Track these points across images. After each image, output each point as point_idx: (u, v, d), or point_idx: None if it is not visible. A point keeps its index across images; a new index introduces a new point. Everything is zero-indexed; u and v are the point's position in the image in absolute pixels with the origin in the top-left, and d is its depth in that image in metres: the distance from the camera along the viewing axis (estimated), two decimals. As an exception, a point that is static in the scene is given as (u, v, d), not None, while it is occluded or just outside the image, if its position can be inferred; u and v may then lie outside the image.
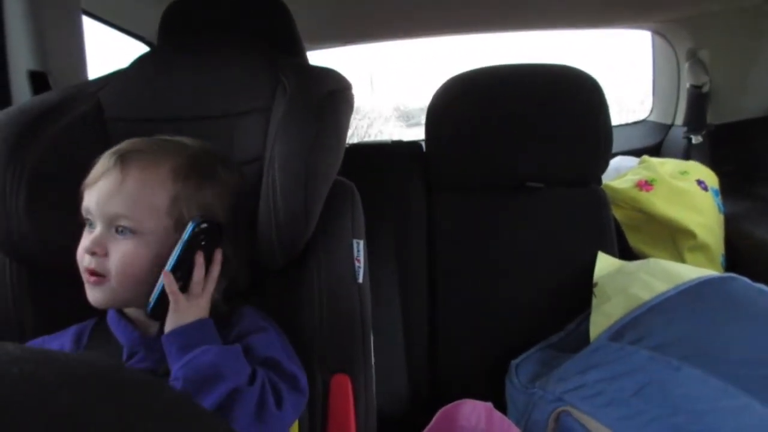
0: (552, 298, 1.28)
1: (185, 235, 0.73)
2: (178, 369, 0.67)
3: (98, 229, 0.72)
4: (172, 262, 0.72)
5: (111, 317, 0.77)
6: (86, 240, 0.73)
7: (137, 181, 0.72)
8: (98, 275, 0.71)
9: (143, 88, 0.90)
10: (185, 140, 0.79)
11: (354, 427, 0.82)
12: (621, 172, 1.72)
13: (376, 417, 0.89)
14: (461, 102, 1.30)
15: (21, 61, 1.10)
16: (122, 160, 0.73)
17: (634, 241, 1.53)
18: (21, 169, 0.77)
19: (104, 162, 0.74)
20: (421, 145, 1.38)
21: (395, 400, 1.22)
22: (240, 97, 0.89)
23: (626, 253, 1.42)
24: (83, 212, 0.74)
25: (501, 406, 1.11)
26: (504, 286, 1.29)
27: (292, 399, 0.72)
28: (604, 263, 1.26)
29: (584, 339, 1.12)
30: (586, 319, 1.16)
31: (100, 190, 0.72)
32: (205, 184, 0.76)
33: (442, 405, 1.02)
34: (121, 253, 0.71)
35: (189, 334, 0.70)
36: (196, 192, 0.75)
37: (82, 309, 0.79)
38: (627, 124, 2.42)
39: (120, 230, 0.72)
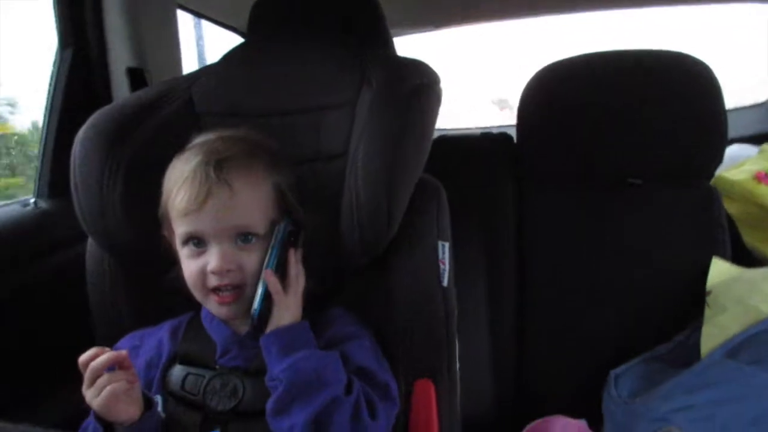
0: (654, 305, 1.19)
1: (280, 234, 0.73)
2: (280, 371, 0.67)
3: (220, 247, 0.70)
4: (274, 262, 0.71)
5: (205, 315, 0.78)
6: (208, 261, 0.71)
7: (245, 190, 0.71)
8: (233, 290, 0.71)
9: (232, 82, 0.91)
10: (249, 135, 0.78)
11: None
12: (737, 162, 1.56)
13: (461, 424, 0.87)
14: (556, 91, 1.22)
15: (120, 59, 1.15)
16: (221, 170, 0.70)
17: (749, 239, 1.39)
18: (118, 164, 0.79)
19: (199, 180, 0.70)
20: (511, 137, 1.30)
21: (480, 408, 1.18)
22: (326, 91, 0.88)
23: (740, 252, 1.29)
24: (185, 237, 0.72)
25: (592, 420, 1.05)
26: (600, 290, 1.21)
27: (385, 409, 0.71)
28: (720, 269, 1.15)
29: (694, 353, 1.03)
30: (697, 331, 1.06)
31: (214, 211, 0.70)
32: (285, 177, 0.77)
33: (529, 413, 0.98)
34: (254, 260, 0.71)
35: (289, 336, 0.69)
36: (283, 186, 0.76)
37: (176, 302, 0.81)
38: (744, 108, 2.20)
39: (244, 239, 0.71)
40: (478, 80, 3.51)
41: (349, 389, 0.68)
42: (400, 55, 1.06)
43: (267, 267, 0.71)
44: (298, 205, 0.76)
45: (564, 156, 1.23)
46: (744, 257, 1.23)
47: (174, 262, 0.78)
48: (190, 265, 0.73)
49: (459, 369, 0.86)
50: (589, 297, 1.20)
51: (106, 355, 0.66)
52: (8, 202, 1.10)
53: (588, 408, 1.04)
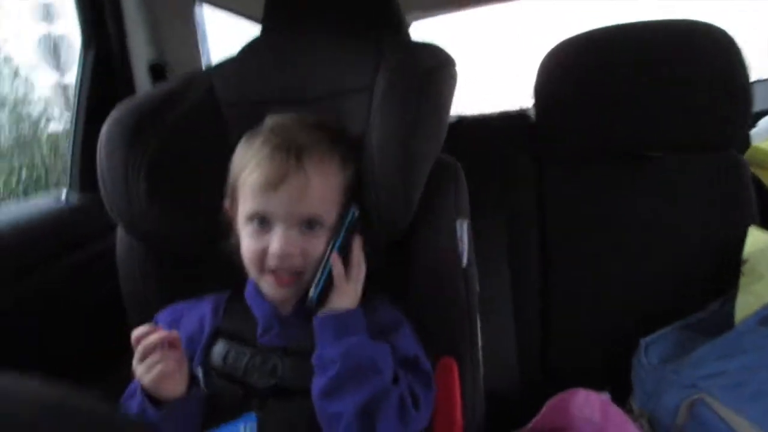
0: (681, 278, 1.16)
1: (348, 220, 0.74)
2: (336, 353, 0.68)
3: (284, 229, 0.72)
4: (338, 246, 0.73)
5: (250, 292, 0.79)
6: (270, 242, 0.72)
7: (320, 180, 0.72)
8: (292, 274, 0.73)
9: (252, 72, 0.93)
10: (329, 123, 0.79)
11: (460, 410, 0.79)
12: (774, 133, 1.52)
13: (485, 400, 0.87)
14: (573, 65, 1.19)
15: (141, 56, 1.18)
16: (300, 158, 0.72)
17: None
18: (141, 154, 0.81)
19: (278, 163, 0.72)
20: (529, 116, 1.29)
21: (505, 385, 1.17)
22: (343, 76, 0.89)
23: None
24: (254, 214, 0.74)
25: (620, 392, 1.03)
26: (625, 263, 1.19)
27: (427, 398, 0.72)
28: (757, 238, 1.11)
29: (728, 322, 1.00)
30: (731, 300, 1.04)
31: (287, 195, 0.71)
32: (355, 166, 0.78)
33: (555, 388, 0.96)
34: (317, 247, 0.73)
35: (345, 321, 0.71)
36: (353, 176, 0.77)
37: (204, 285, 0.84)
38: None
39: (310, 227, 0.73)
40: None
41: (396, 381, 0.69)
42: (414, 40, 1.06)
43: (333, 251, 0.72)
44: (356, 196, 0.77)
45: (583, 131, 1.20)
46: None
47: (206, 241, 0.81)
48: (251, 243, 0.74)
49: (482, 346, 0.86)
50: (613, 272, 1.18)
51: (158, 334, 0.68)
52: (41, 197, 1.13)
53: (614, 382, 1.02)
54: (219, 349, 0.76)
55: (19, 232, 0.94)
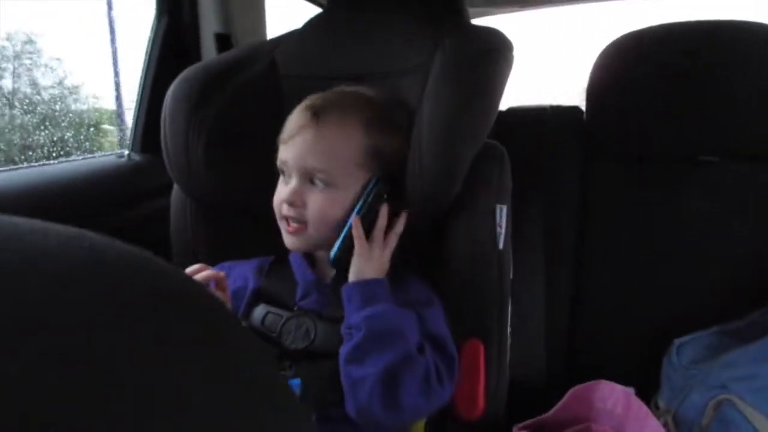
0: (722, 285, 1.14)
1: (371, 185, 0.77)
2: (361, 319, 0.70)
3: (295, 181, 0.76)
4: (359, 208, 0.76)
5: (294, 257, 0.83)
6: (284, 191, 0.77)
7: (333, 137, 0.75)
8: (297, 223, 0.76)
9: (313, 47, 0.96)
10: (370, 92, 0.82)
11: (483, 393, 0.81)
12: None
13: (509, 386, 0.87)
14: (628, 63, 1.17)
15: (209, 25, 1.22)
16: (317, 115, 0.76)
17: None
18: (203, 119, 0.85)
19: (299, 117, 0.77)
20: (582, 111, 1.27)
21: (530, 370, 1.17)
22: (402, 55, 0.90)
23: None
24: (279, 164, 0.79)
25: (646, 390, 1.03)
26: (666, 266, 1.17)
27: (449, 378, 0.73)
28: None
29: (766, 332, 0.98)
30: (773, 311, 1.02)
31: (298, 145, 0.76)
32: (392, 134, 0.79)
33: (580, 379, 0.96)
34: (319, 204, 0.75)
35: (372, 289, 0.73)
36: (384, 143, 0.78)
37: (252, 247, 0.88)
38: None
39: (315, 182, 0.76)
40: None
41: (421, 351, 0.71)
42: (474, 24, 1.07)
43: (354, 214, 0.75)
44: (400, 175, 0.79)
45: (633, 132, 1.18)
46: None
47: (256, 205, 0.84)
48: (277, 192, 0.79)
49: (511, 332, 0.87)
50: (650, 273, 1.17)
51: (207, 272, 0.73)
52: (105, 153, 1.20)
53: (640, 380, 1.02)
54: (259, 310, 0.80)
55: (81, 186, 1.00)
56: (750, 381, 0.88)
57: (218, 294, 0.73)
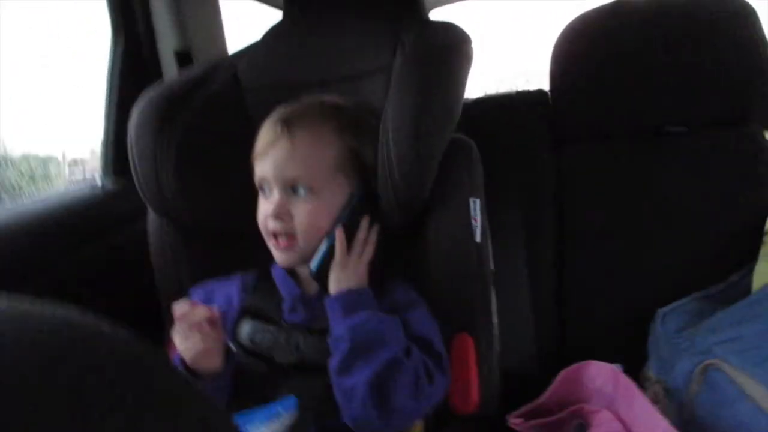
0: (700, 251, 1.16)
1: (355, 199, 0.77)
2: (344, 330, 0.71)
3: (277, 194, 0.76)
4: (341, 222, 0.76)
5: (277, 272, 0.83)
6: (268, 206, 0.77)
7: (307, 144, 0.76)
8: (287, 237, 0.76)
9: (273, 56, 0.96)
10: (335, 98, 0.82)
11: (477, 386, 0.81)
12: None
13: (501, 376, 0.88)
14: (587, 42, 1.18)
15: (168, 43, 1.21)
16: (288, 126, 0.76)
17: None
18: (170, 137, 0.85)
19: (270, 131, 0.77)
20: (547, 94, 1.29)
21: (521, 359, 1.19)
22: (364, 58, 0.91)
23: None
24: (257, 180, 0.79)
25: (636, 363, 1.05)
26: (644, 238, 1.19)
27: (440, 378, 0.74)
28: None
29: (747, 292, 1.00)
30: (750, 273, 1.04)
31: (274, 159, 0.76)
32: (365, 137, 0.79)
33: (571, 363, 0.98)
34: (306, 212, 0.75)
35: (354, 299, 0.73)
36: (358, 146, 0.79)
37: (233, 264, 0.88)
38: None
39: (298, 191, 0.76)
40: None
41: (408, 354, 0.71)
42: (432, 19, 1.07)
43: (336, 226, 0.76)
44: (374, 173, 0.79)
45: (600, 108, 1.20)
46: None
47: (233, 221, 0.85)
48: (260, 209, 0.79)
49: (498, 323, 0.87)
50: (630, 248, 1.18)
51: (202, 312, 0.72)
52: (79, 184, 1.19)
53: (631, 355, 1.04)
54: (247, 327, 0.80)
55: (59, 217, 0.99)
56: (733, 343, 0.89)
57: (214, 333, 0.72)
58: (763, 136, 1.19)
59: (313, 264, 0.76)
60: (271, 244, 0.78)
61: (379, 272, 0.79)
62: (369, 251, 0.78)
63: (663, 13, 1.15)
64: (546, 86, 1.26)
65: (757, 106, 1.16)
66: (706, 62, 1.13)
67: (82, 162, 1.42)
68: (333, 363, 0.71)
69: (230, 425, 0.27)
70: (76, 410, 0.19)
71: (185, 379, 0.26)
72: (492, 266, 0.86)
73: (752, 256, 1.07)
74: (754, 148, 1.17)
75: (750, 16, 1.12)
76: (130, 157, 0.86)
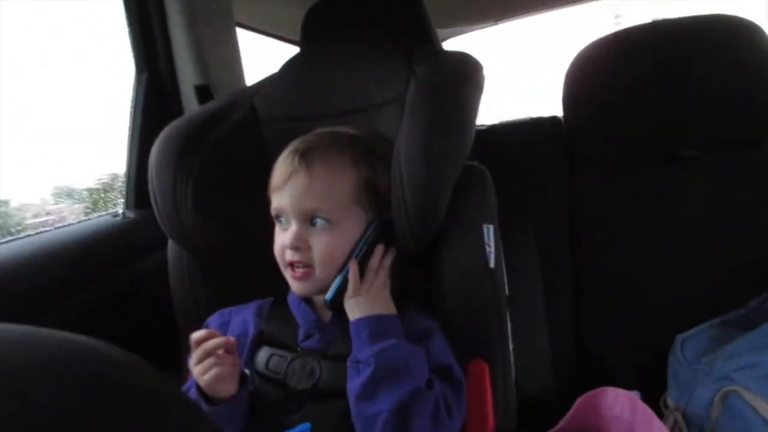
0: (714, 279, 1.15)
1: (370, 230, 0.79)
2: (370, 355, 0.70)
3: (295, 225, 0.77)
4: (357, 252, 0.77)
5: (293, 299, 0.84)
6: (285, 237, 0.78)
7: (324, 176, 0.77)
8: (304, 268, 0.77)
9: (290, 89, 0.98)
10: (352, 129, 0.84)
11: (492, 412, 0.81)
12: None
13: (518, 402, 0.88)
14: (600, 67, 1.19)
15: (188, 78, 1.25)
16: (305, 159, 0.77)
17: None
18: (189, 170, 0.87)
19: (287, 164, 0.78)
20: (561, 121, 1.29)
21: (538, 385, 1.17)
22: (378, 89, 0.92)
23: None
24: (274, 212, 0.80)
25: (656, 390, 1.03)
26: (661, 265, 1.18)
27: (459, 407, 0.74)
28: None
29: (766, 318, 0.99)
30: (771, 297, 1.02)
31: (291, 191, 0.77)
32: (380, 167, 0.81)
33: (588, 389, 0.96)
34: (324, 243, 0.76)
35: (382, 324, 0.74)
36: (374, 175, 0.80)
37: (249, 292, 0.89)
38: None
39: (316, 223, 0.77)
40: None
41: (430, 385, 0.71)
42: (445, 49, 1.09)
43: (352, 258, 0.77)
44: (388, 202, 0.80)
45: (613, 133, 1.20)
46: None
47: (250, 250, 0.86)
48: (276, 240, 0.81)
49: (514, 349, 0.87)
50: (646, 273, 1.18)
51: (218, 339, 0.73)
52: (101, 213, 1.21)
53: (648, 382, 1.02)
54: (263, 354, 0.80)
55: (81, 248, 1.01)
56: (752, 369, 0.88)
57: (229, 359, 0.73)
58: None
59: (328, 296, 0.77)
60: (287, 274, 0.79)
61: (396, 299, 0.80)
62: (384, 278, 0.79)
63: (672, 37, 1.16)
64: (558, 112, 1.28)
65: (763, 128, 1.15)
66: (717, 85, 1.13)
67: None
68: (354, 387, 0.70)
69: None
70: None
71: (195, 407, 0.27)
72: (506, 291, 0.86)
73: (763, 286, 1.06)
74: (766, 170, 1.16)
75: (756, 33, 1.12)
76: (150, 189, 0.89)
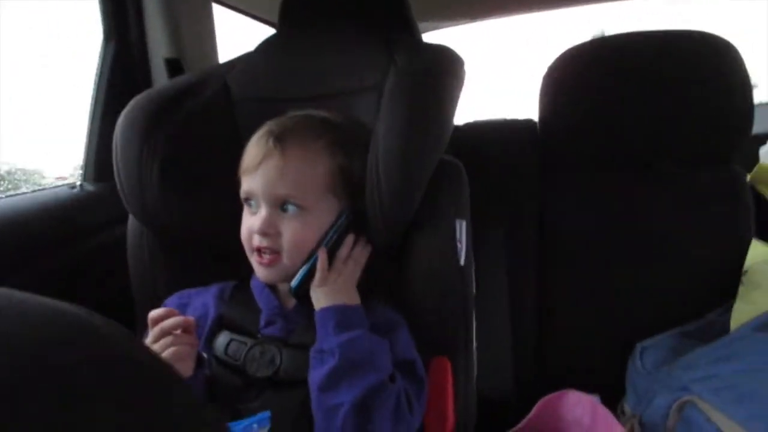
0: (680, 287, 1.17)
1: (341, 219, 0.77)
2: (336, 345, 0.69)
3: (265, 210, 0.75)
4: (327, 241, 0.76)
5: (256, 284, 0.82)
6: (254, 221, 0.75)
7: (298, 162, 0.75)
8: (271, 254, 0.75)
9: (266, 69, 0.95)
10: (328, 114, 0.82)
11: (452, 410, 0.80)
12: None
13: (478, 401, 0.87)
14: (577, 76, 1.20)
15: (159, 50, 1.21)
16: (280, 141, 0.75)
17: None
18: (156, 145, 0.83)
19: (261, 146, 0.76)
20: (536, 124, 1.30)
21: (500, 386, 1.18)
22: (355, 75, 0.90)
23: None
24: (244, 194, 0.78)
25: (613, 395, 1.05)
26: (625, 271, 1.19)
27: (419, 402, 0.73)
28: (758, 251, 1.13)
29: (725, 330, 1.01)
30: (729, 310, 1.05)
31: (264, 175, 0.74)
32: (356, 155, 0.79)
33: (550, 390, 0.97)
34: (293, 230, 0.75)
35: (348, 315, 0.72)
36: (349, 163, 0.78)
37: (211, 274, 0.87)
38: None
39: (287, 209, 0.75)
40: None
41: (392, 379, 0.70)
42: (425, 41, 1.08)
43: (321, 246, 0.75)
44: (362, 191, 0.78)
45: (587, 140, 1.21)
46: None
47: (214, 231, 0.84)
48: (244, 223, 0.78)
49: (477, 347, 0.87)
50: (612, 278, 1.19)
51: (176, 318, 0.71)
52: (58, 184, 1.16)
53: (608, 386, 1.04)
54: (222, 338, 0.78)
55: (34, 218, 0.97)
56: (710, 381, 0.89)
57: (187, 338, 0.71)
58: (745, 177, 1.21)
59: (294, 283, 0.75)
60: (253, 259, 0.77)
61: (362, 291, 0.78)
62: (353, 268, 0.78)
63: (646, 49, 1.18)
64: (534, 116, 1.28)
65: (738, 146, 1.18)
66: (688, 99, 1.16)
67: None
68: (316, 377, 0.69)
69: (216, 416, 0.27)
70: (68, 398, 0.20)
71: (172, 371, 0.27)
72: (474, 290, 0.86)
73: (730, 295, 1.08)
74: (736, 189, 1.19)
75: (731, 53, 1.14)
76: (114, 162, 0.85)
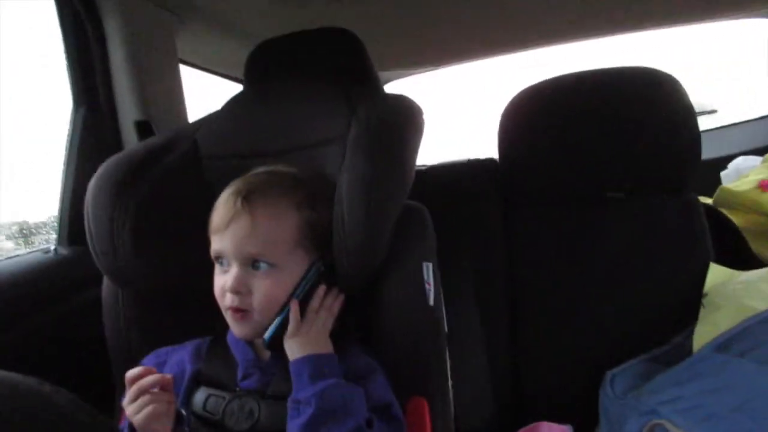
0: (644, 312, 1.21)
1: (312, 272, 0.79)
2: (311, 395, 0.70)
3: (236, 269, 0.76)
4: (298, 293, 0.77)
5: (231, 337, 0.83)
6: (226, 279, 0.76)
7: (267, 220, 0.76)
8: (243, 311, 0.76)
9: (232, 126, 0.98)
10: (294, 169, 0.84)
11: None
12: (742, 173, 1.58)
13: None
14: (532, 113, 1.26)
15: (128, 113, 1.23)
16: (247, 201, 0.77)
17: (758, 248, 1.38)
18: (126, 206, 0.85)
19: (228, 206, 0.77)
20: (496, 162, 1.35)
21: (477, 420, 1.19)
22: (318, 128, 0.93)
23: (751, 262, 1.30)
24: (214, 254, 0.79)
25: (590, 423, 1.07)
26: (591, 300, 1.23)
27: None
28: (716, 273, 1.18)
29: (690, 353, 1.04)
30: (693, 334, 1.08)
31: (233, 235, 0.76)
32: (322, 209, 0.81)
33: (526, 424, 0.99)
34: (264, 288, 0.76)
35: (321, 364, 0.73)
36: (318, 218, 0.80)
37: (186, 331, 0.87)
38: (750, 120, 2.19)
39: (258, 267, 0.76)
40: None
41: (370, 424, 0.71)
42: (385, 92, 1.12)
43: (293, 298, 0.77)
44: (329, 242, 0.80)
45: (545, 175, 1.27)
46: (755, 267, 1.22)
47: (188, 289, 0.85)
48: (217, 281, 0.79)
49: (453, 385, 0.88)
50: (579, 308, 1.22)
51: (153, 377, 0.72)
52: (31, 250, 1.16)
53: (584, 414, 1.05)
54: (200, 394, 0.79)
55: (8, 285, 0.97)
56: (675, 403, 0.92)
57: (164, 396, 0.72)
58: (698, 202, 1.27)
59: (267, 335, 0.77)
60: (227, 315, 0.79)
61: (337, 337, 0.80)
62: (325, 317, 0.79)
63: (598, 86, 1.25)
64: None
65: (689, 173, 1.24)
66: (639, 132, 1.22)
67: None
68: (294, 427, 0.70)
69: None
70: None
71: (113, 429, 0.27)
72: (446, 329, 0.88)
73: (694, 317, 1.11)
74: (690, 214, 1.25)
75: (675, 86, 1.21)
76: (86, 222, 0.86)
